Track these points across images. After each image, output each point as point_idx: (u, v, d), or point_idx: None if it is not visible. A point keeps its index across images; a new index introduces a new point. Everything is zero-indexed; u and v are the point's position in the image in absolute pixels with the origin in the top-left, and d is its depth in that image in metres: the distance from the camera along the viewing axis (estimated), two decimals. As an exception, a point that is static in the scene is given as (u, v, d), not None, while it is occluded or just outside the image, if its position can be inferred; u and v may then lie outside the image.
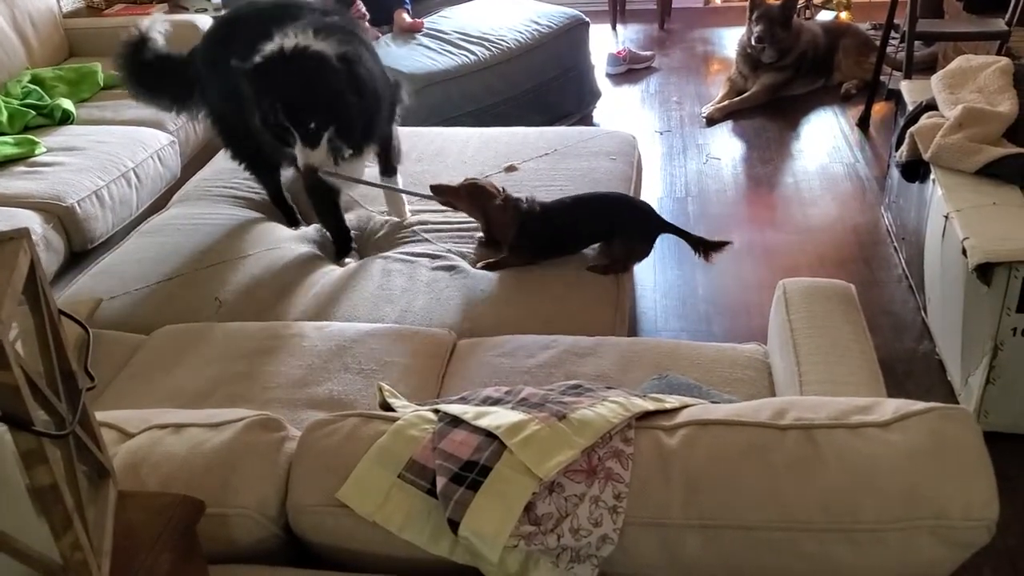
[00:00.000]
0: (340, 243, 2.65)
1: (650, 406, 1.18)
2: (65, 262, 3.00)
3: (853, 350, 1.65)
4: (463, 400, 1.30)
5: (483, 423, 1.15)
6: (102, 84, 3.86)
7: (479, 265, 2.40)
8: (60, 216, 2.96)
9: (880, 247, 3.37)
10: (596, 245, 2.42)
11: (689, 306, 3.11)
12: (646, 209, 2.46)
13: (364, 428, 1.20)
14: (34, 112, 3.50)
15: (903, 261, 3.17)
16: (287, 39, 2.22)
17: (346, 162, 2.41)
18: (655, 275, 3.27)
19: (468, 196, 2.39)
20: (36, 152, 3.25)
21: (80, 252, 3.06)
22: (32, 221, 2.86)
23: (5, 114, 3.42)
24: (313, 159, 2.27)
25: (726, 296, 3.15)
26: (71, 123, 3.56)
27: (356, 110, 2.28)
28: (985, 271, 2.21)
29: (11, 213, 2.86)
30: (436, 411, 1.21)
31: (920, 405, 1.10)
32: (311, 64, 2.21)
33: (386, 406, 1.37)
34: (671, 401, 1.22)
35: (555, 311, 2.21)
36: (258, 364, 2.01)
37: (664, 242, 3.44)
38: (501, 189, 2.41)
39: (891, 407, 1.11)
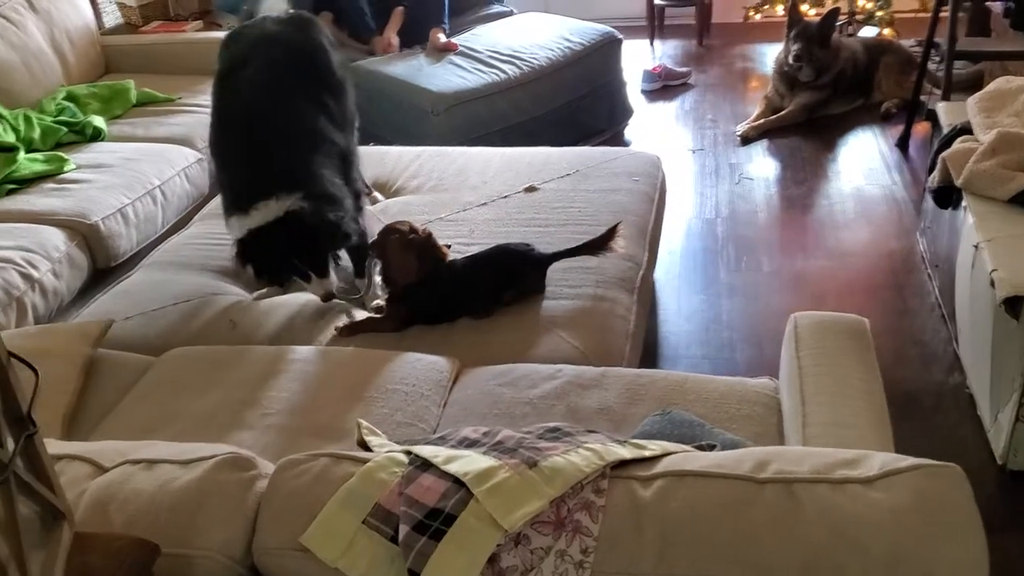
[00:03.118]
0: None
1: (627, 454, 1.14)
2: (89, 279, 3.01)
3: (860, 390, 1.58)
4: (441, 439, 1.26)
5: (452, 468, 1.11)
6: (134, 101, 3.89)
7: (334, 334, 2.27)
8: (84, 234, 2.98)
9: (914, 274, 3.26)
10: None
11: (712, 332, 3.04)
12: (528, 250, 2.33)
13: (334, 469, 1.18)
14: (66, 129, 3.54)
15: (936, 289, 3.06)
16: None
17: None
18: (678, 300, 3.20)
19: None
20: (65, 169, 3.28)
21: (104, 269, 3.07)
22: (56, 238, 2.89)
23: (38, 131, 3.46)
24: None
25: (751, 323, 3.07)
26: (102, 140, 3.60)
27: None
28: (1014, 304, 2.12)
29: (36, 230, 2.89)
30: (408, 452, 1.18)
31: (908, 461, 1.05)
32: None
33: (364, 444, 1.34)
34: (652, 448, 1.17)
35: (563, 339, 2.16)
36: (262, 389, 1.99)
37: (688, 266, 3.41)
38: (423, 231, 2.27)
39: (878, 462, 1.05)
